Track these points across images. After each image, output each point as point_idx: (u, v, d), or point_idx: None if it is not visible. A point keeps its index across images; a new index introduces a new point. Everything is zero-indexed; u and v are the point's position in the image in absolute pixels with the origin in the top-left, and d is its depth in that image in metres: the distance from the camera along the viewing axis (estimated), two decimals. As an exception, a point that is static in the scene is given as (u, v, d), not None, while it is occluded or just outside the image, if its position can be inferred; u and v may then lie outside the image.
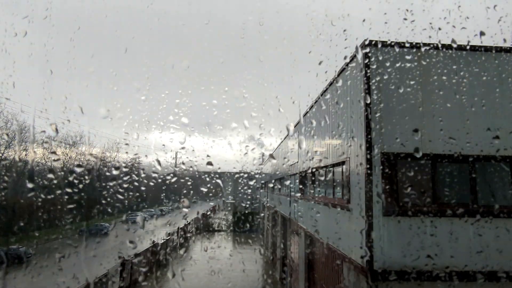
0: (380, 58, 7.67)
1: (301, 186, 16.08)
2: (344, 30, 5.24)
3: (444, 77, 7.62)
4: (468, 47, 7.53)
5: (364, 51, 7.62)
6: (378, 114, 7.41)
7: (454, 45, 7.26)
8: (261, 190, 42.83)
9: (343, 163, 9.26)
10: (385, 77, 7.56)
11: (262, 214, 40.42)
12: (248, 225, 41.95)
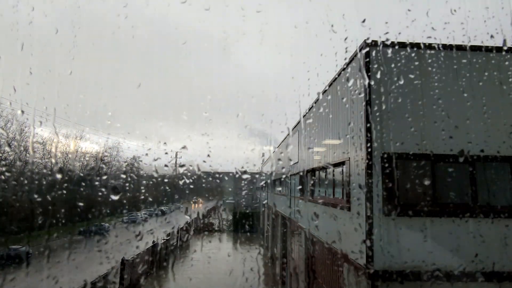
0: (380, 58, 7.67)
1: (301, 186, 16.09)
2: (345, 30, 5.26)
3: (444, 77, 7.62)
4: (468, 47, 7.53)
5: (364, 51, 7.62)
6: (378, 114, 7.41)
7: (454, 45, 7.27)
8: (261, 190, 42.88)
9: (343, 163, 9.26)
10: (385, 77, 7.56)
11: (262, 215, 40.44)
12: (248, 225, 41.99)
